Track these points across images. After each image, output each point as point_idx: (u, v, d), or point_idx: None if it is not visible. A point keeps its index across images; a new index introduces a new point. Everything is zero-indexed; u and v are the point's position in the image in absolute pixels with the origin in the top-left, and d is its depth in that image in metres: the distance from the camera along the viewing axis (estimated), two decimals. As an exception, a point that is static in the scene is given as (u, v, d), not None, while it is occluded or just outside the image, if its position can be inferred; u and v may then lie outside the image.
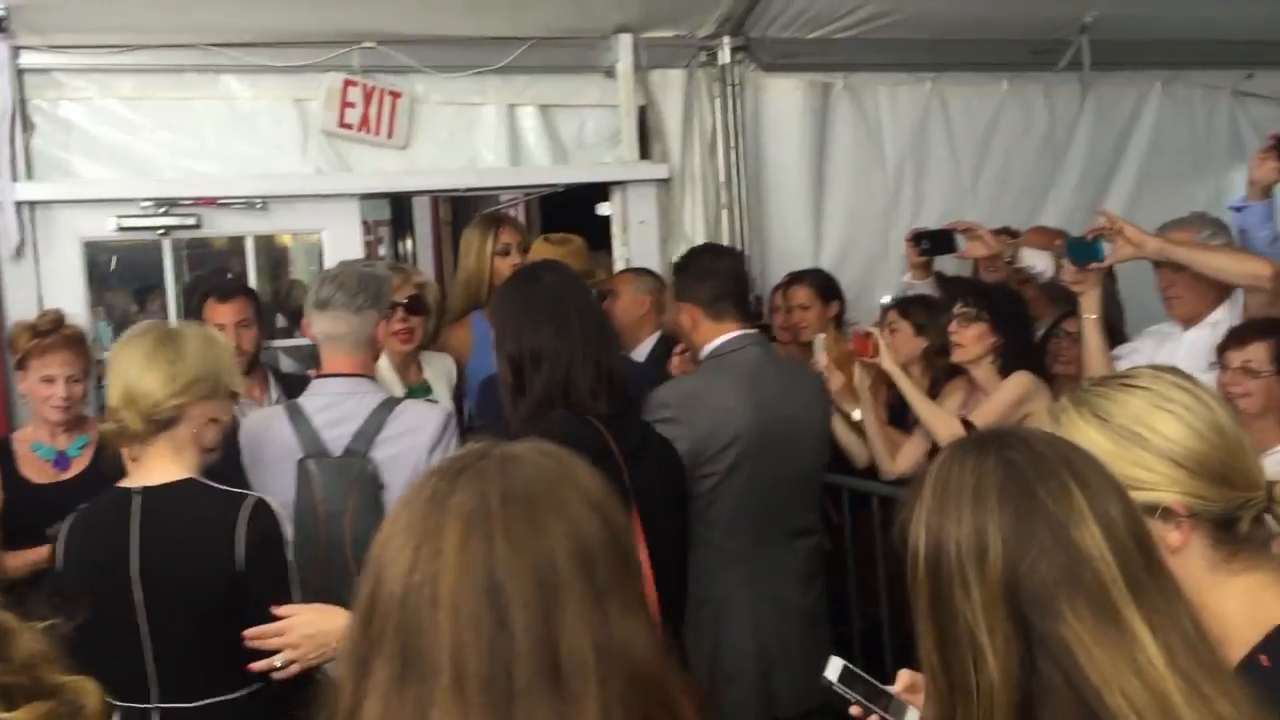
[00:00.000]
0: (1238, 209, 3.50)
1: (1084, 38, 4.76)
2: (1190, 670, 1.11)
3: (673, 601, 2.48)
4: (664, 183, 4.32)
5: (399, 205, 7.98)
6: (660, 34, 4.28)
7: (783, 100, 4.52)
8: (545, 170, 4.23)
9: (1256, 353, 2.96)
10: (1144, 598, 1.13)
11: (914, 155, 4.74)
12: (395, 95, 3.95)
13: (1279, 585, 1.43)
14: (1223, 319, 3.30)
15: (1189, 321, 3.38)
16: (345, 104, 3.86)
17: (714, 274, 3.15)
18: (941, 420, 3.42)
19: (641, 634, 1.03)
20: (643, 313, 3.89)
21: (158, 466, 2.30)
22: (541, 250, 4.17)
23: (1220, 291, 3.34)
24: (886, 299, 4.18)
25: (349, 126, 3.88)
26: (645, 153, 4.32)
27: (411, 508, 1.05)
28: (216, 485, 2.32)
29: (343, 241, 3.76)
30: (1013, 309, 3.56)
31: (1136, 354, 3.45)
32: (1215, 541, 1.42)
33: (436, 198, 6.67)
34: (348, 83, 3.86)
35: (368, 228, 8.76)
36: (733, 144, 4.40)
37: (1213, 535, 1.42)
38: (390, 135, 3.95)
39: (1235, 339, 3.04)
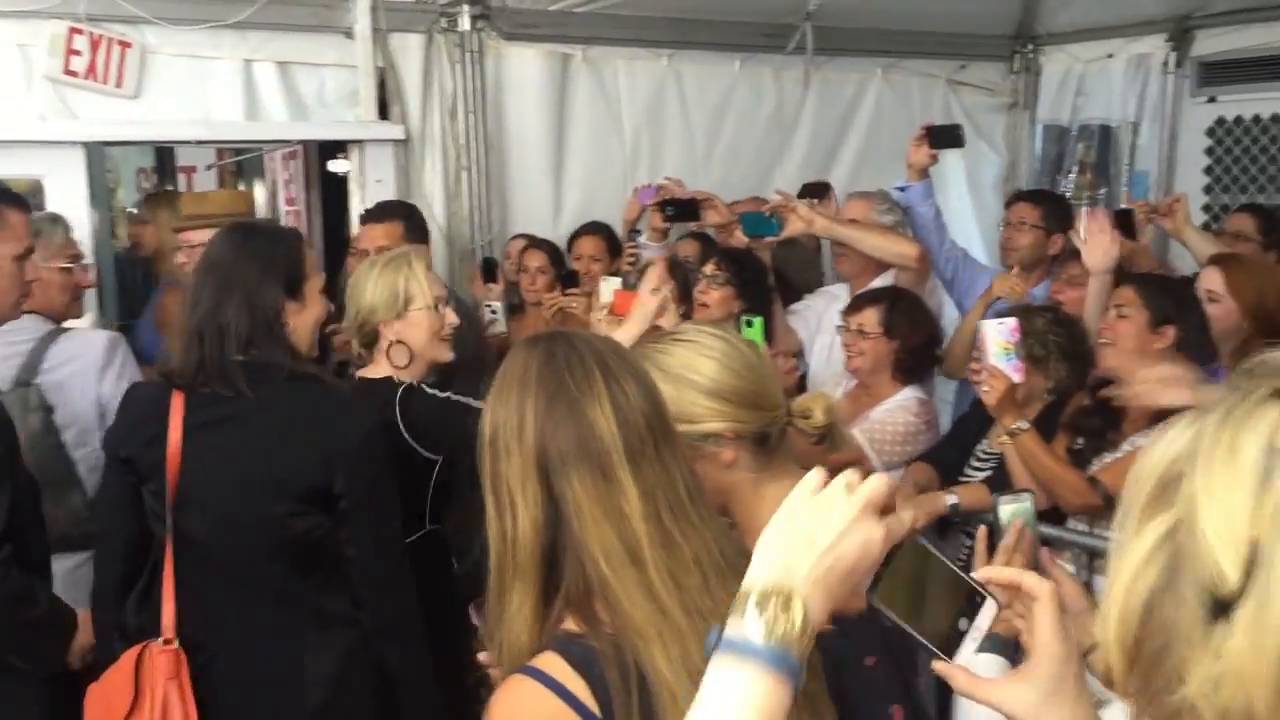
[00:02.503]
0: (902, 189, 3.92)
1: (809, 24, 5.11)
2: (670, 522, 1.39)
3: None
4: (402, 143, 4.46)
5: (161, 155, 7.86)
6: (400, -2, 4.41)
7: (523, 69, 4.71)
8: (282, 126, 4.30)
9: (868, 317, 3.37)
10: (641, 465, 1.40)
11: (650, 127, 5.00)
12: (125, 45, 3.96)
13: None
14: (882, 285, 3.73)
15: (856, 285, 3.80)
16: (70, 51, 3.84)
17: None
18: None
19: None
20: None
21: None
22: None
23: (882, 265, 3.78)
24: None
25: (74, 74, 3.87)
26: (385, 114, 4.45)
27: None
28: None
29: (65, 189, 3.77)
30: (758, 275, 3.81)
31: (809, 310, 3.87)
32: (755, 455, 1.76)
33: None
34: (73, 30, 3.85)
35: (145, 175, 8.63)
36: (472, 109, 4.57)
37: (753, 450, 1.76)
38: (119, 85, 3.95)
39: (853, 305, 3.45)
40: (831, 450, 1.86)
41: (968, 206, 5.71)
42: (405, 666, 2.40)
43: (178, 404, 2.35)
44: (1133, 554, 0.86)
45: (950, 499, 3.05)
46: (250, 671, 2.33)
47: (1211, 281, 3.22)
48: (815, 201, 4.22)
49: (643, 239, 4.36)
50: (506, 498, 1.41)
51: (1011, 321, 2.96)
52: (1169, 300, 2.99)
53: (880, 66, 5.50)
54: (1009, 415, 2.95)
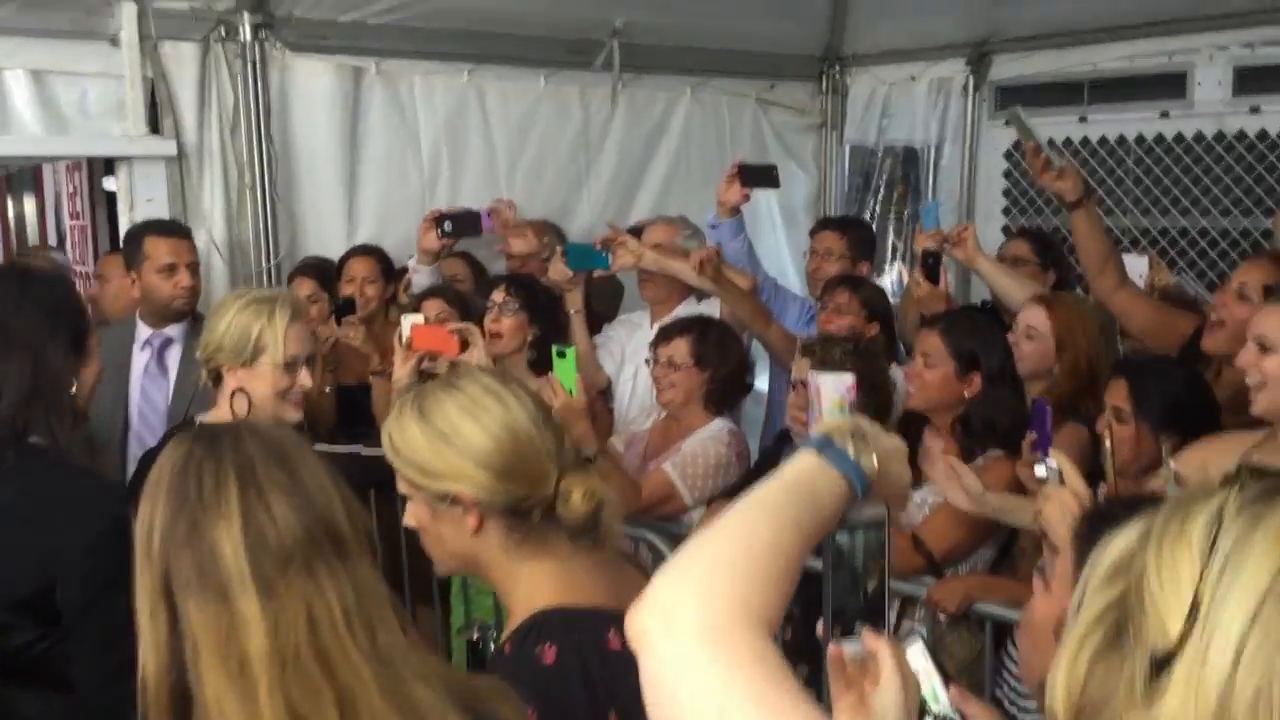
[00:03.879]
0: (713, 226, 3.83)
1: (615, 41, 4.99)
2: (311, 658, 1.21)
3: None
4: (175, 160, 4.13)
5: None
6: (171, 4, 4.07)
7: (312, 82, 4.42)
8: (38, 141, 3.93)
9: (679, 348, 3.25)
10: (277, 592, 1.22)
11: (450, 144, 4.79)
12: None
13: (556, 578, 1.64)
14: (685, 313, 3.62)
15: (658, 311, 3.69)
16: None
17: None
18: None
19: None
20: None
21: None
22: None
23: (687, 289, 3.67)
24: None
25: None
26: (156, 127, 4.12)
27: None
28: None
29: None
30: (551, 301, 3.66)
31: (611, 341, 3.73)
32: (508, 528, 1.62)
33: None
34: None
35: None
36: (255, 123, 4.27)
37: (506, 523, 1.62)
38: None
39: (663, 335, 3.33)
40: (595, 550, 1.66)
41: (779, 227, 5.69)
42: None
43: None
44: (1081, 622, 0.91)
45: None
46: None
47: (1033, 318, 3.17)
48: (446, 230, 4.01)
49: (412, 261, 4.14)
50: (140, 620, 1.23)
51: (848, 377, 2.81)
52: (975, 343, 2.95)
53: (689, 85, 5.42)
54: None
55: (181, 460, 1.28)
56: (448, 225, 4.02)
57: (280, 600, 1.22)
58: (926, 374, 2.94)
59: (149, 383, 3.59)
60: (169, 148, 4.07)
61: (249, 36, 4.22)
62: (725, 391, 3.33)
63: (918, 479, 2.91)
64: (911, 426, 2.99)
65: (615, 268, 3.64)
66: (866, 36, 5.66)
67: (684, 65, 5.37)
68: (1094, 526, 1.66)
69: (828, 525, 1.15)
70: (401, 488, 1.65)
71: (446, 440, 1.59)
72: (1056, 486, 1.98)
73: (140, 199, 4.07)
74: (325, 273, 4.19)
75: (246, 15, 4.19)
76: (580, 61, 5.02)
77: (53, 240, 7.33)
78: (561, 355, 3.01)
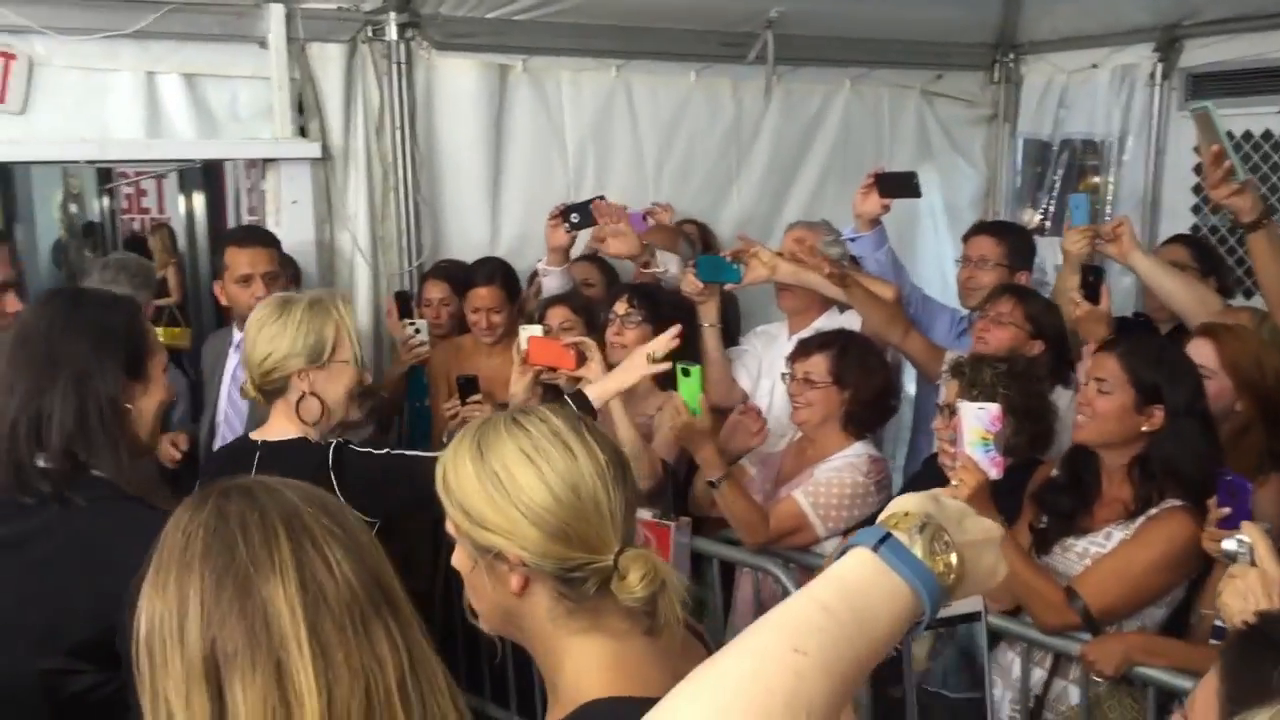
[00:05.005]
0: (852, 239, 3.60)
1: (770, 32, 4.78)
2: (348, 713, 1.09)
3: None
4: (320, 161, 4.13)
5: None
6: (319, 5, 4.07)
7: (457, 81, 4.37)
8: (188, 144, 3.98)
9: (816, 365, 3.04)
10: (333, 654, 1.10)
11: (596, 143, 4.68)
12: (9, 56, 3.64)
13: (609, 661, 1.40)
14: (830, 325, 3.40)
15: (796, 322, 3.48)
16: (-53, 64, 3.54)
17: None
18: (644, 457, 3.10)
19: None
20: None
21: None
22: None
23: (827, 299, 3.45)
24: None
25: (-49, 89, 3.56)
26: (305, 129, 4.13)
27: None
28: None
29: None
30: (678, 312, 3.43)
31: (746, 354, 3.54)
32: (558, 595, 1.39)
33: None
34: (-51, 41, 3.54)
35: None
36: (400, 124, 4.24)
37: (555, 589, 1.39)
38: (2, 100, 3.63)
39: (800, 351, 3.13)
40: (657, 636, 1.41)
41: (941, 227, 5.38)
42: None
43: None
44: None
45: None
46: None
47: (1201, 354, 2.81)
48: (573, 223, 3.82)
49: (541, 264, 4.02)
50: (165, 715, 1.08)
51: (994, 408, 2.57)
52: (1160, 373, 2.62)
53: (849, 77, 5.17)
54: (988, 509, 2.56)
55: (213, 519, 1.15)
56: (574, 218, 3.89)
57: (338, 670, 1.10)
58: (1100, 402, 2.61)
59: (233, 387, 3.60)
60: (314, 149, 4.07)
61: (395, 36, 4.19)
62: (866, 414, 3.10)
63: (1087, 526, 2.64)
64: (1079, 462, 2.70)
65: (746, 281, 3.43)
66: (1043, 21, 5.28)
67: (842, 56, 5.11)
68: (1249, 647, 1.40)
69: (883, 649, 0.92)
70: (449, 528, 1.45)
71: (499, 486, 1.38)
72: (1245, 567, 1.70)
73: (286, 201, 4.09)
74: (457, 277, 4.13)
75: (393, 15, 4.16)
76: (733, 54, 4.84)
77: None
78: (686, 373, 2.84)
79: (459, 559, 1.47)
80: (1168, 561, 2.49)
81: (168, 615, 1.10)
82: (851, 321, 3.43)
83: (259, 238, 3.73)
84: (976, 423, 2.52)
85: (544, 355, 2.97)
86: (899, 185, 3.64)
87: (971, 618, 0.91)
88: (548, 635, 1.41)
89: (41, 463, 1.92)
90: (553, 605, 1.39)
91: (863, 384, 3.07)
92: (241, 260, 3.55)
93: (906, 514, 0.97)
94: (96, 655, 1.83)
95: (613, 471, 1.42)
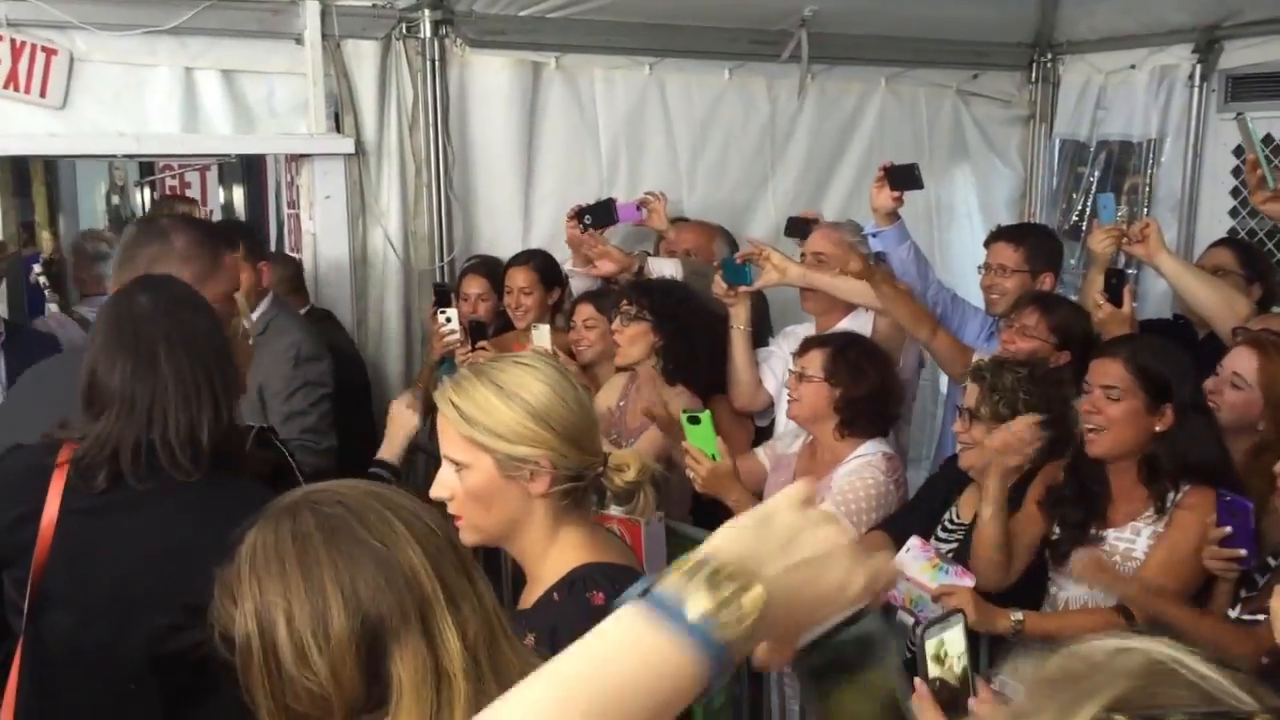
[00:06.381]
0: (874, 234, 3.58)
1: (804, 30, 4.77)
2: (487, 665, 1.22)
3: None
4: (354, 157, 4.17)
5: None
6: (354, 3, 4.11)
7: (490, 78, 4.39)
8: (224, 139, 4.04)
9: (812, 360, 3.05)
10: (461, 603, 1.23)
11: (629, 140, 4.68)
12: (50, 52, 3.70)
13: (587, 540, 1.80)
14: (851, 326, 3.39)
15: (823, 323, 3.48)
16: (-10, 59, 3.60)
17: None
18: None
19: None
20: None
21: None
22: None
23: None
24: None
25: (-7, 83, 3.62)
26: (339, 125, 4.17)
27: None
28: None
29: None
30: (674, 309, 3.48)
31: (773, 357, 3.53)
32: (561, 496, 1.76)
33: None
34: (-8, 36, 3.60)
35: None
36: (433, 121, 4.27)
37: (561, 490, 1.76)
38: (43, 94, 3.70)
39: (803, 347, 3.14)
40: (633, 511, 1.93)
41: (977, 228, 5.33)
42: None
43: (58, 479, 1.97)
44: None
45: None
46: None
47: (1242, 364, 2.77)
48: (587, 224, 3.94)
49: (567, 266, 4.04)
50: (309, 707, 1.20)
51: (914, 541, 2.63)
52: (1168, 368, 2.60)
53: (884, 76, 5.14)
54: (998, 616, 2.53)
55: (315, 516, 1.24)
56: (588, 219, 3.93)
57: (464, 613, 1.23)
58: (1112, 409, 2.57)
59: None
60: (347, 145, 4.12)
61: (429, 33, 4.22)
62: (860, 416, 3.06)
63: (1101, 527, 2.62)
64: (1083, 471, 2.67)
65: (758, 285, 3.42)
66: (1082, 21, 5.23)
67: (878, 55, 5.09)
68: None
69: (669, 713, 0.81)
70: (460, 455, 1.72)
71: (523, 402, 1.71)
72: None
73: (319, 195, 4.14)
74: (495, 271, 4.16)
75: (427, 12, 4.19)
76: (767, 53, 4.83)
77: (272, 229, 7.65)
78: (695, 421, 2.88)
79: (473, 480, 1.73)
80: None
81: (302, 606, 1.19)
82: (861, 325, 3.41)
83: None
84: (916, 563, 2.55)
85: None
86: (905, 178, 3.63)
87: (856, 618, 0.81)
88: (544, 529, 1.77)
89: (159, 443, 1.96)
90: (557, 503, 1.76)
91: (853, 385, 3.02)
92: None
93: (689, 561, 0.84)
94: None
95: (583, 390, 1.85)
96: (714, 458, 2.88)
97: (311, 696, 1.19)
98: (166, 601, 1.90)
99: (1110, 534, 2.63)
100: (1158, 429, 2.57)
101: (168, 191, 8.67)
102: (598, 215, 3.88)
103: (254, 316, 3.05)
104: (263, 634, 1.20)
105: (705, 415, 2.90)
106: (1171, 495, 2.57)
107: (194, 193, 8.60)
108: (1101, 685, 0.74)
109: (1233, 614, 2.39)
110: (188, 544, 1.89)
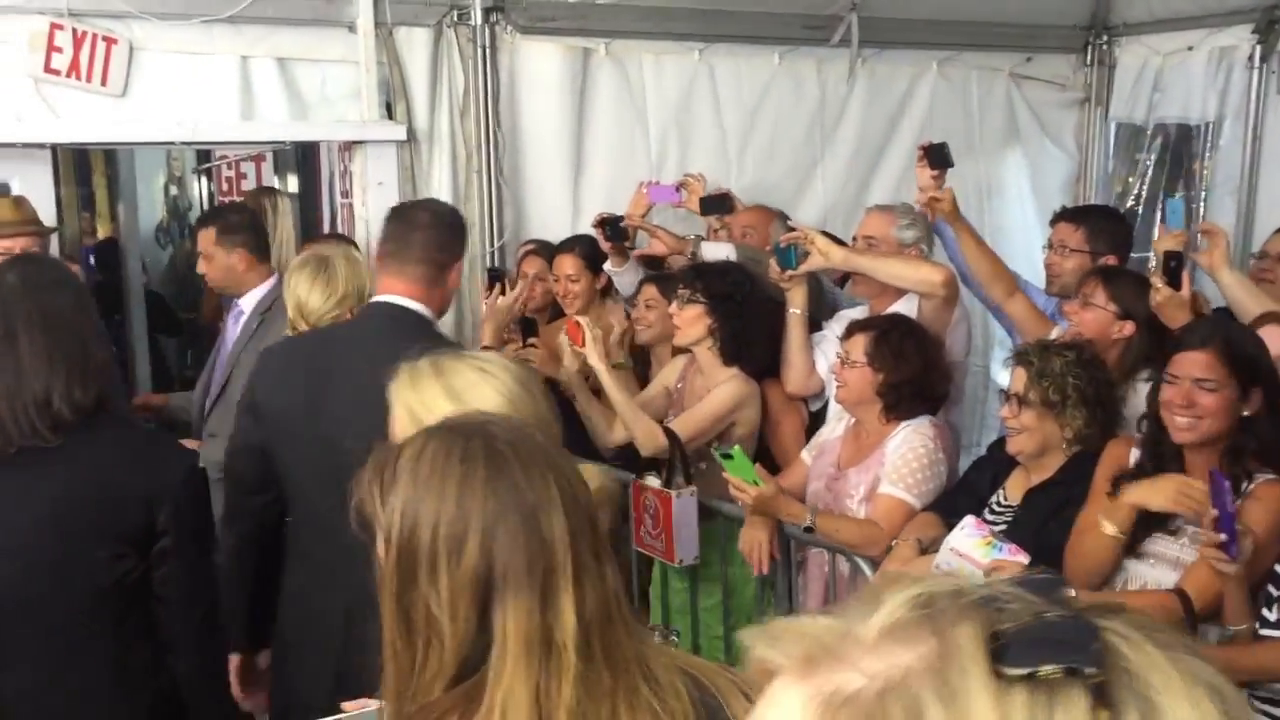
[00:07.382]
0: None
1: (854, 14, 4.75)
2: (599, 648, 1.21)
3: None
4: (406, 144, 4.22)
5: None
6: (407, -10, 4.16)
7: (540, 64, 4.42)
8: (279, 126, 4.09)
9: (856, 345, 3.04)
10: (585, 580, 1.21)
11: (678, 126, 4.69)
12: (111, 41, 3.78)
13: None
14: (903, 309, 3.37)
15: (876, 305, 3.47)
16: (52, 48, 3.67)
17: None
18: (642, 427, 3.37)
19: None
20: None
21: None
22: None
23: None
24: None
25: (56, 72, 3.70)
26: (391, 112, 4.22)
27: None
28: None
29: (32, 193, 3.60)
30: (730, 292, 3.49)
31: (825, 341, 3.53)
32: None
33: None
34: (55, 26, 3.68)
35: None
36: (484, 107, 4.31)
37: None
38: (104, 83, 3.78)
39: (848, 331, 3.14)
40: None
41: (1030, 212, 5.29)
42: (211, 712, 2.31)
43: None
44: None
45: None
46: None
47: (1274, 341, 2.68)
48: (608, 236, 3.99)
49: (608, 265, 4.07)
50: (423, 623, 1.20)
51: (968, 520, 2.61)
52: (1255, 350, 2.54)
53: (935, 59, 5.10)
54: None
55: (486, 447, 1.24)
56: (608, 231, 3.98)
57: (587, 591, 1.22)
58: (1208, 400, 2.47)
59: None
60: (399, 132, 4.16)
61: (480, 20, 4.26)
62: (904, 398, 3.05)
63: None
64: (1162, 451, 2.59)
65: (803, 269, 3.40)
66: (1138, 2, 5.19)
67: (929, 38, 5.05)
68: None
69: None
70: None
71: (465, 404, 1.58)
72: None
73: (372, 182, 4.19)
74: (551, 255, 4.20)
75: (478, 0, 4.22)
76: (817, 37, 4.81)
77: (325, 216, 7.75)
78: (728, 457, 2.94)
79: None
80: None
81: (447, 524, 1.20)
82: (908, 307, 3.40)
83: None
84: (970, 540, 2.53)
85: (574, 333, 3.44)
86: (940, 157, 3.62)
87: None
88: None
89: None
90: None
91: (895, 369, 3.02)
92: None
93: None
94: (139, 544, 2.15)
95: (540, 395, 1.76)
96: (756, 484, 2.90)
97: (428, 615, 1.21)
98: (107, 534, 2.13)
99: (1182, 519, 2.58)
100: (1246, 413, 2.51)
101: (223, 181, 8.81)
102: (615, 228, 3.96)
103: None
104: (403, 533, 1.22)
105: (736, 450, 2.97)
106: (1245, 484, 2.51)
107: (249, 184, 8.74)
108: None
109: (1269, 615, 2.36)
110: (119, 479, 2.16)
